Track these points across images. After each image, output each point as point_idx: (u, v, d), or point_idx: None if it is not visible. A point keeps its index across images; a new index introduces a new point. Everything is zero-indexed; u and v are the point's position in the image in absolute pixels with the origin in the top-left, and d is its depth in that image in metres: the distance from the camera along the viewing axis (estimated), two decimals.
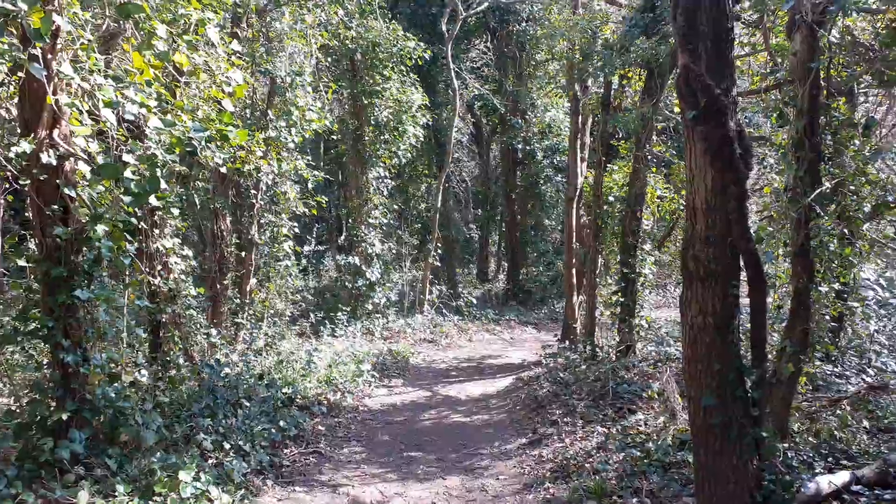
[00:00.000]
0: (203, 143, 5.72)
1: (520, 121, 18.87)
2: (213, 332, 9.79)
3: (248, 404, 7.56)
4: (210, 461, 5.94)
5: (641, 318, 10.62)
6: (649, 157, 10.23)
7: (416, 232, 19.24)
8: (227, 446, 6.25)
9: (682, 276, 4.44)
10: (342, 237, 23.57)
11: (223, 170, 9.48)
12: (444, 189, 17.55)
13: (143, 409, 6.08)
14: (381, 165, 15.64)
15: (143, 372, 6.70)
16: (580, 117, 11.71)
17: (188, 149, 5.63)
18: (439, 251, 16.72)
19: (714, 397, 4.25)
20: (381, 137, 15.45)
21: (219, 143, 6.39)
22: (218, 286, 11.99)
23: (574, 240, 11.81)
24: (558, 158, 19.49)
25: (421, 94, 15.41)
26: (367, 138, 15.28)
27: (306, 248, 23.19)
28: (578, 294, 12.04)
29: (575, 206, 11.81)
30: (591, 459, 6.42)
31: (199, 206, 10.33)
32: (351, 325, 14.54)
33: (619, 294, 10.48)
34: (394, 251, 16.38)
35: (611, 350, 10.81)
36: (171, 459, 5.44)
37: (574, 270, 11.81)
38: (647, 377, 9.20)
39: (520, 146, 19.01)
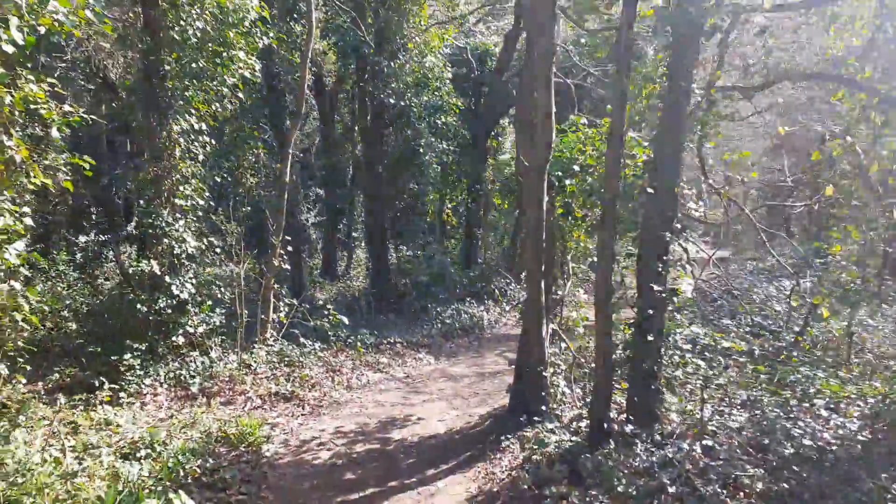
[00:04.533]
0: None
1: (391, 64, 13.70)
2: None
3: None
4: None
5: (674, 366, 6.38)
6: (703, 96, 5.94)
7: (244, 219, 13.34)
8: None
9: None
10: (131, 225, 16.59)
11: None
12: (291, 156, 11.90)
13: None
14: (192, 114, 9.76)
15: None
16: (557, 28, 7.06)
17: None
18: (288, 248, 11.21)
19: None
20: (193, 68, 9.57)
21: None
22: None
23: (543, 234, 7.17)
24: (442, 120, 14.70)
25: (257, 1, 9.73)
26: (168, 68, 9.32)
27: (83, 238, 16.03)
28: (546, 322, 7.50)
29: (546, 179, 7.14)
30: None
31: None
32: (148, 373, 8.70)
33: (638, 327, 6.19)
34: (217, 249, 10.53)
35: (620, 416, 6.52)
36: None
37: (543, 283, 7.19)
38: (736, 488, 5.05)
39: (391, 101, 13.88)
